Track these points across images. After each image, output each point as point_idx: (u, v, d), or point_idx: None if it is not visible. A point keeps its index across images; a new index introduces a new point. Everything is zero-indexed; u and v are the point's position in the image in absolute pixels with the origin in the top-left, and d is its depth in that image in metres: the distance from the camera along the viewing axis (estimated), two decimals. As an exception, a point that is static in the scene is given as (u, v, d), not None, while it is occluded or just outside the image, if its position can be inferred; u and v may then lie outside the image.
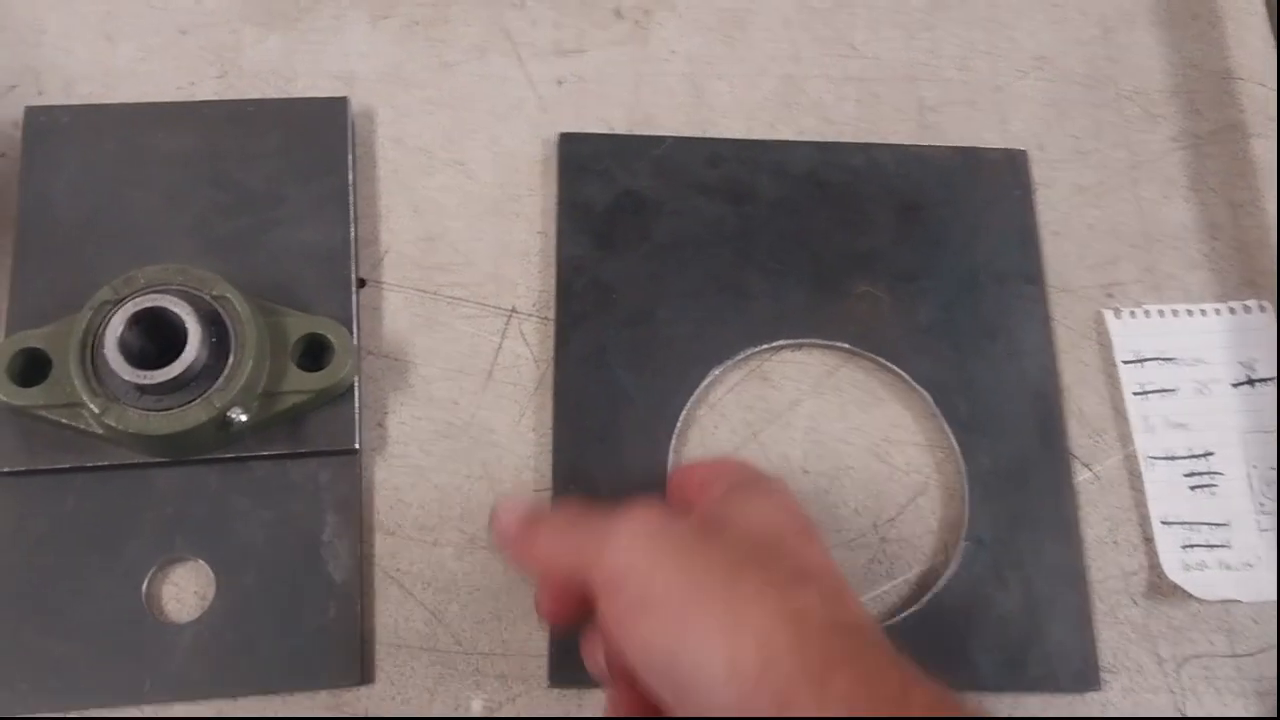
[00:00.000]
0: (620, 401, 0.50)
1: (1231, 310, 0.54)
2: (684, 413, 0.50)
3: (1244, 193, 0.57)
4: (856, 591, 0.47)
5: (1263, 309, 0.55)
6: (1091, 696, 0.47)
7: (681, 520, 0.37)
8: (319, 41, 0.55)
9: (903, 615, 0.48)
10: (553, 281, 0.51)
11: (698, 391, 0.50)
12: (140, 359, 0.44)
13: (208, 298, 0.46)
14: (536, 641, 0.46)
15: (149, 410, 0.44)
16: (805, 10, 0.59)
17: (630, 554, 0.35)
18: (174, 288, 0.46)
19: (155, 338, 0.45)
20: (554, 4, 0.57)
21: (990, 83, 0.58)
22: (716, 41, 0.57)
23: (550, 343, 0.50)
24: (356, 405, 0.48)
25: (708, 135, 0.55)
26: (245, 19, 0.55)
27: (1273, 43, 0.59)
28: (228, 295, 0.46)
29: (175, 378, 0.44)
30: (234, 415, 0.45)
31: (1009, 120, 0.57)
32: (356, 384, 0.48)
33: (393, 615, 0.46)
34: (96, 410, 0.44)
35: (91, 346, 0.45)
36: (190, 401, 0.44)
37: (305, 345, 0.47)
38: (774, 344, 0.52)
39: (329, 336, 0.47)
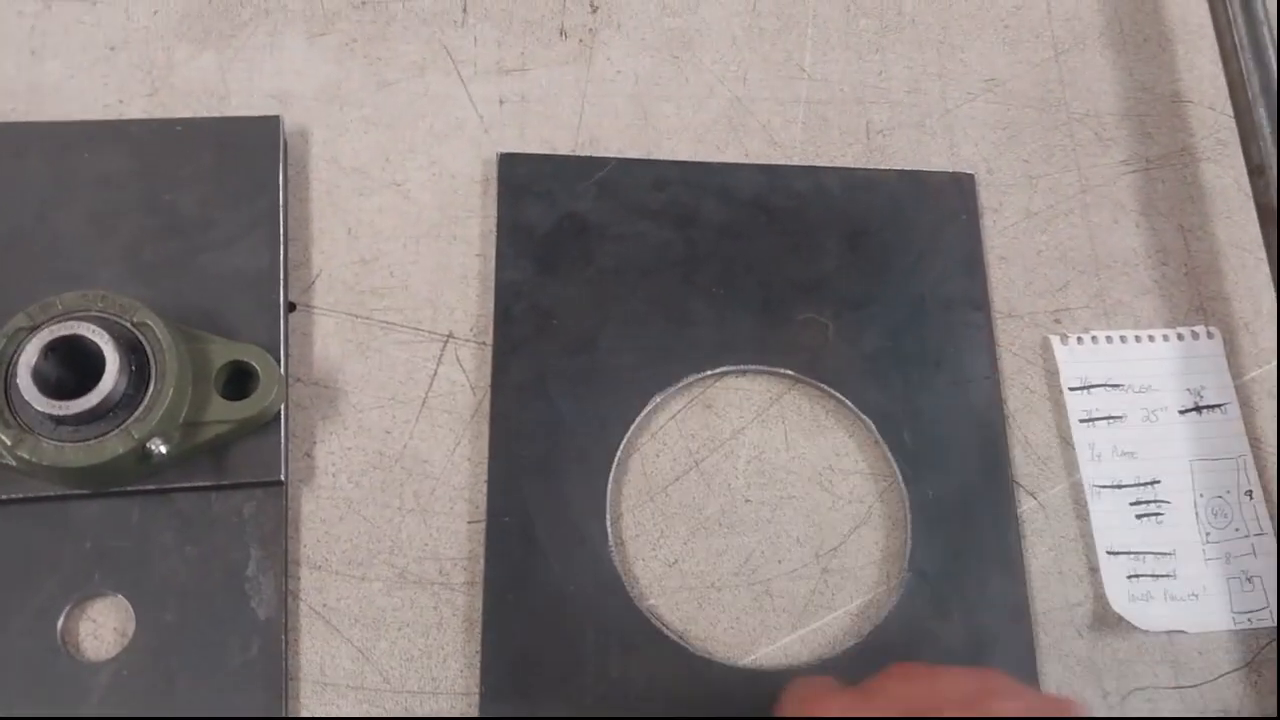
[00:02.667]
0: (559, 430, 0.49)
1: (1180, 336, 0.54)
2: (624, 441, 0.49)
3: (1193, 217, 0.57)
4: (798, 623, 0.46)
5: (1211, 335, 0.54)
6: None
7: None
8: (253, 59, 0.53)
9: (844, 649, 0.47)
10: (491, 306, 0.50)
11: (639, 419, 0.49)
12: (56, 389, 0.43)
13: (128, 325, 0.44)
14: (467, 679, 0.45)
15: (65, 442, 0.43)
16: (754, 31, 0.58)
17: None
18: (93, 314, 0.44)
19: (72, 366, 0.44)
20: (497, 22, 0.56)
21: (940, 105, 0.57)
22: (663, 62, 0.57)
23: (488, 369, 0.49)
24: (283, 435, 0.46)
25: (653, 157, 0.54)
26: (178, 35, 0.53)
27: (1221, 65, 0.59)
28: (148, 322, 0.44)
29: (92, 408, 0.42)
30: (154, 446, 0.43)
31: (958, 143, 0.56)
32: (283, 413, 0.46)
33: (319, 652, 0.45)
34: (9, 442, 0.42)
35: (5, 375, 0.43)
36: (108, 432, 0.43)
37: (229, 373, 0.46)
38: (717, 370, 0.51)
39: (253, 364, 0.46)
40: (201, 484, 0.46)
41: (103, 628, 0.44)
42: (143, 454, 0.43)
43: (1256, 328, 0.55)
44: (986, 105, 0.57)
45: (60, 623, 0.44)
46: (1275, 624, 0.49)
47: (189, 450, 0.45)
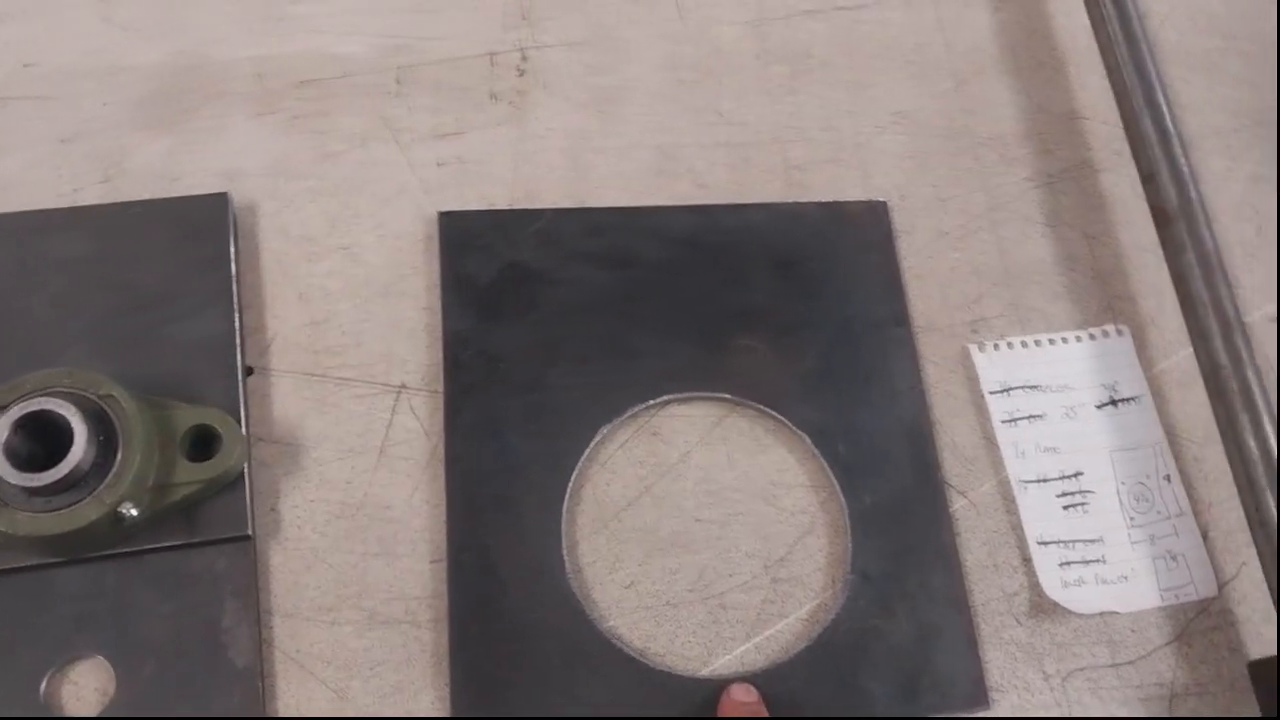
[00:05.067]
0: (513, 468, 0.51)
1: (1092, 336, 0.58)
2: (576, 473, 0.52)
3: (1097, 225, 0.61)
4: (752, 632, 0.49)
5: (1120, 333, 0.58)
6: (983, 715, 0.49)
7: None
8: (203, 141, 0.57)
9: (796, 653, 0.49)
10: (441, 356, 0.53)
11: (589, 450, 0.52)
12: (28, 462, 0.45)
13: (94, 397, 0.47)
14: (439, 712, 0.47)
15: (40, 512, 0.45)
16: (674, 83, 0.62)
17: None
18: (60, 390, 0.47)
19: (43, 440, 0.46)
20: (431, 90, 0.59)
21: (852, 139, 0.61)
22: (591, 117, 0.60)
23: (441, 415, 0.52)
24: (248, 492, 0.49)
25: (588, 206, 0.58)
26: (129, 124, 0.57)
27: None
28: (114, 394, 0.47)
29: (63, 478, 0.45)
30: (125, 510, 0.46)
31: (872, 174, 0.60)
32: (247, 471, 0.49)
33: (295, 696, 0.47)
34: (-15, 516, 0.44)
35: (-21, 454, 0.45)
36: (81, 500, 0.45)
37: (194, 436, 0.48)
38: (661, 399, 0.54)
39: (216, 426, 0.48)
40: (174, 543, 0.48)
41: (84, 689, 0.46)
42: (115, 518, 0.46)
43: (1162, 322, 0.58)
44: (896, 136, 0.61)
45: (43, 687, 0.45)
46: (1199, 597, 0.52)
47: (159, 512, 0.47)
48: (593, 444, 0.52)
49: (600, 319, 0.55)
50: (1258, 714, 0.49)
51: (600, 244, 0.57)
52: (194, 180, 0.56)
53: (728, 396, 0.54)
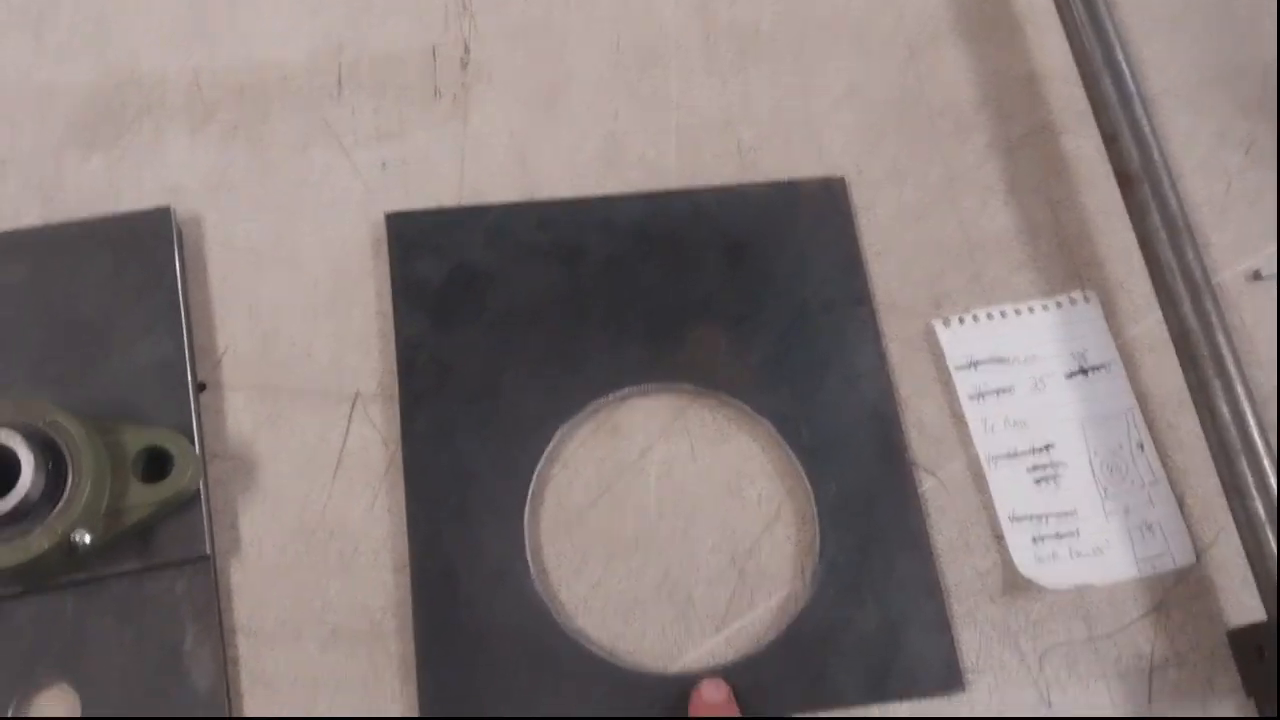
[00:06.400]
0: (472, 472, 0.51)
1: (1059, 304, 0.57)
2: (536, 474, 0.51)
3: (1060, 190, 0.59)
4: (721, 625, 0.48)
5: (1088, 299, 0.57)
6: (959, 697, 0.48)
7: None
8: (141, 157, 0.56)
9: (766, 644, 0.49)
10: (394, 362, 0.52)
11: (547, 451, 0.51)
12: (-25, 496, 0.44)
13: (41, 425, 0.46)
14: (408, 722, 0.47)
15: (-10, 545, 0.44)
16: (619, 69, 0.60)
17: None
18: (5, 420, 0.46)
19: (-10, 473, 0.45)
20: (371, 90, 0.58)
21: (804, 116, 0.60)
22: (537, 109, 0.59)
23: (397, 423, 0.51)
24: (205, 511, 0.48)
25: (536, 200, 0.57)
26: (65, 144, 0.56)
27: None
28: (61, 420, 0.46)
29: (13, 509, 0.44)
30: (78, 538, 0.45)
31: (826, 150, 0.59)
32: (203, 489, 0.48)
33: (261, 715, 0.46)
34: (-66, 552, 0.44)
35: (-76, 489, 0.45)
36: (32, 530, 0.45)
37: (146, 458, 0.48)
38: (620, 392, 0.53)
39: (168, 446, 0.47)
40: (131, 567, 0.47)
41: (50, 716, 0.46)
42: (68, 547, 0.45)
43: (1131, 286, 0.57)
44: (850, 111, 0.60)
45: (9, 714, 0.45)
46: (1176, 566, 0.51)
47: (114, 537, 0.47)
48: (552, 444, 0.52)
49: (552, 317, 0.54)
50: (1238, 683, 0.49)
51: (550, 237, 0.56)
52: (134, 197, 0.55)
53: (688, 387, 0.53)
